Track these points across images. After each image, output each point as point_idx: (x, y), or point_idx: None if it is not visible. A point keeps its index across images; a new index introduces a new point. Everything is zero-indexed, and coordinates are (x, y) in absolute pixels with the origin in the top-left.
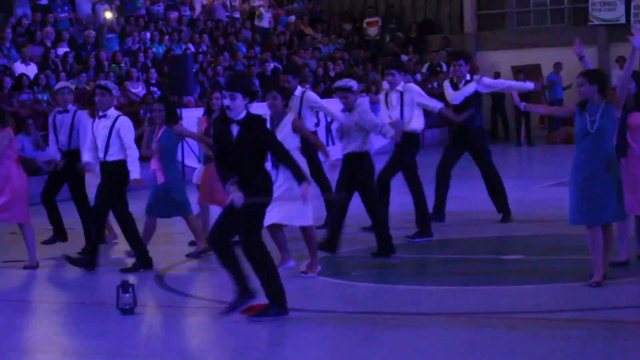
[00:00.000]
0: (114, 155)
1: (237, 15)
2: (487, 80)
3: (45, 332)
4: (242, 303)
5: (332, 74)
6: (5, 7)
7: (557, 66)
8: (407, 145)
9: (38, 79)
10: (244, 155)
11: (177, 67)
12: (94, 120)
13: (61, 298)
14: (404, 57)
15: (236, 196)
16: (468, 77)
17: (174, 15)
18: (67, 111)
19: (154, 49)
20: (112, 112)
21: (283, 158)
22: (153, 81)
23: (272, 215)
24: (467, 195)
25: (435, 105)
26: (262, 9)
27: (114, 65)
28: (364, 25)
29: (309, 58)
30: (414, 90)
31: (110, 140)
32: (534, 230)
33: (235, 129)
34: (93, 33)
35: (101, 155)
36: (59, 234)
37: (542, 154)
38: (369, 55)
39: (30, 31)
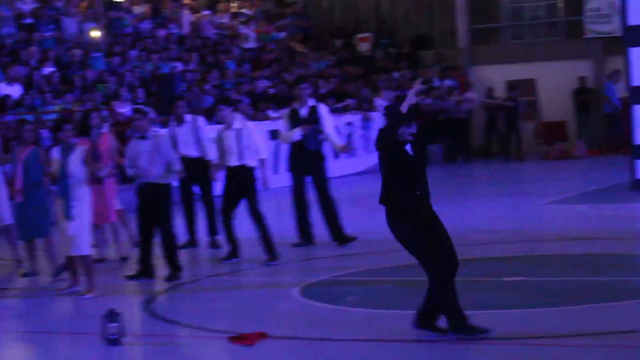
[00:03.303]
0: (159, 178)
1: (226, 32)
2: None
3: None
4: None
5: (323, 91)
6: None
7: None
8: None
9: (23, 100)
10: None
11: (165, 85)
12: (131, 142)
13: (43, 327)
14: (396, 74)
15: None
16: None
17: (161, 33)
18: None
19: (141, 68)
20: (152, 132)
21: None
22: (140, 100)
23: None
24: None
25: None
26: (245, 31)
27: (100, 84)
28: (355, 41)
29: (299, 75)
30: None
31: (154, 159)
32: (535, 250)
33: (409, 147)
34: (79, 52)
35: (144, 178)
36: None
37: (538, 171)
38: (361, 72)
39: (15, 50)
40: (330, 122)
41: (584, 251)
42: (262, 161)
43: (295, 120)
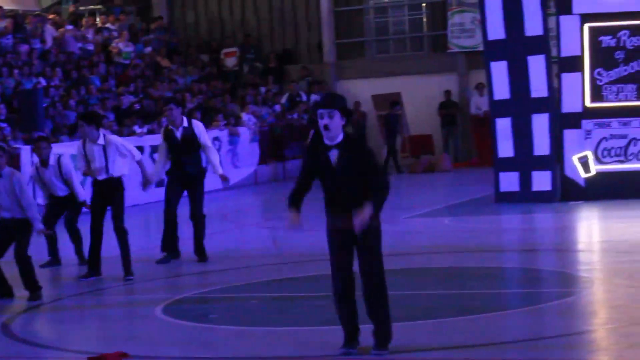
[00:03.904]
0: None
1: (90, 47)
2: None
3: None
4: None
5: (189, 105)
6: None
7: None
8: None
9: None
10: (346, 180)
11: (27, 102)
12: None
13: None
14: (263, 88)
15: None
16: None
17: (24, 48)
18: None
19: (3, 84)
20: (7, 170)
21: (376, 184)
22: (2, 117)
23: None
24: None
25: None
26: (120, 45)
27: None
28: (222, 56)
29: (165, 90)
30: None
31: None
32: (400, 264)
33: (334, 154)
34: None
35: (6, 214)
36: None
37: (404, 184)
38: (228, 87)
39: None
40: (208, 141)
41: (448, 264)
42: (140, 162)
43: (172, 143)
